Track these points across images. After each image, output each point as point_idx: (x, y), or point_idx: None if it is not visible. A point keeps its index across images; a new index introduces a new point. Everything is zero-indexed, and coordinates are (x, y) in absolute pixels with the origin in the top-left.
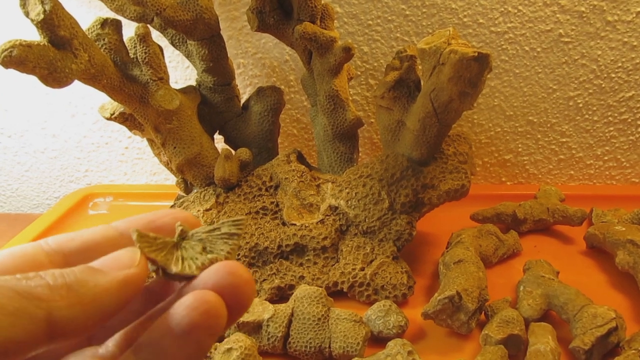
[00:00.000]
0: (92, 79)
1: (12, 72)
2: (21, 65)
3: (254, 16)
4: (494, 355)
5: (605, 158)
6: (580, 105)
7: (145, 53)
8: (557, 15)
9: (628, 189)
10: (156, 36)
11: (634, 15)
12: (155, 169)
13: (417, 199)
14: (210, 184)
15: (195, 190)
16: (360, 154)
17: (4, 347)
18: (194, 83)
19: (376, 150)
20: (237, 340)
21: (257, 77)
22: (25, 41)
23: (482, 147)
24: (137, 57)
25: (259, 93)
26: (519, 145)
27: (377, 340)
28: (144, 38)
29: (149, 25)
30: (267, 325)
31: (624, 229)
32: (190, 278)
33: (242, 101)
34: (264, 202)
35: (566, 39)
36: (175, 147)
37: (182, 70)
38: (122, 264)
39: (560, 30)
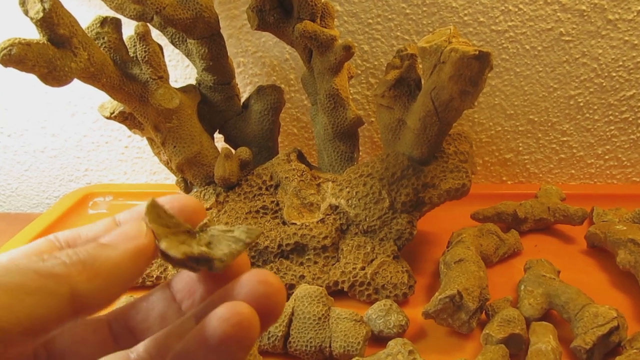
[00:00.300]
0: (92, 77)
1: (12, 71)
2: (20, 64)
3: (254, 14)
4: (495, 354)
5: (606, 157)
6: (581, 104)
7: (145, 52)
8: (558, 14)
9: (629, 188)
10: (156, 35)
11: (635, 14)
12: (155, 168)
13: (418, 198)
14: (210, 183)
15: (195, 190)
16: (360, 153)
17: (31, 325)
18: (194, 82)
19: (377, 149)
20: None
21: (257, 76)
22: (24, 39)
23: (482, 146)
24: (136, 56)
25: (259, 92)
26: (520, 144)
27: (378, 340)
28: (143, 37)
29: (148, 24)
30: None
31: (625, 228)
32: (179, 263)
33: (242, 100)
34: (264, 201)
35: (567, 38)
36: (175, 146)
37: (182, 69)
38: (129, 237)
39: (561, 29)
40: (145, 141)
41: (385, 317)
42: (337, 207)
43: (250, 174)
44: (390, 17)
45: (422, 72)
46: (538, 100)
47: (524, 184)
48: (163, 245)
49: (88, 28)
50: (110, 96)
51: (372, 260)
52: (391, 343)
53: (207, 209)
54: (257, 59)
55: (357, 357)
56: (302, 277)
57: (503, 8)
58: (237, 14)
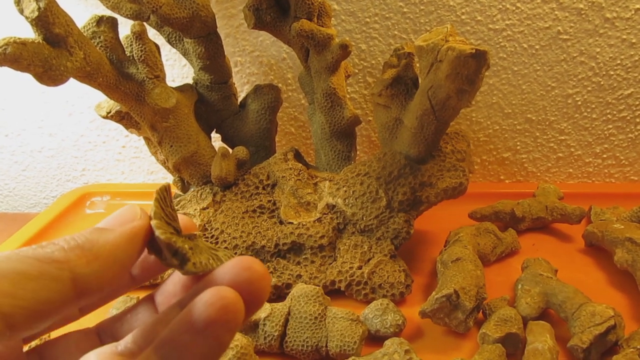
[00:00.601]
0: (88, 77)
1: (8, 71)
2: (15, 63)
3: (250, 13)
4: (491, 354)
5: (604, 156)
6: (579, 102)
7: (142, 51)
8: (556, 12)
9: (627, 187)
10: (153, 34)
11: (633, 12)
12: (153, 167)
13: (415, 197)
14: (207, 182)
15: (192, 189)
16: (358, 152)
17: (35, 309)
18: (191, 81)
19: (374, 148)
20: (233, 340)
21: (255, 75)
22: (19, 38)
23: (480, 145)
24: (133, 55)
25: (256, 91)
26: (518, 143)
27: (375, 339)
28: (140, 36)
29: (145, 23)
30: (264, 324)
31: (622, 227)
32: (156, 248)
33: (240, 99)
34: (261, 200)
35: (565, 36)
36: (171, 146)
37: (179, 69)
38: (125, 220)
39: (559, 28)
40: (142, 141)
41: (382, 317)
42: (334, 206)
43: (247, 173)
44: (387, 15)
45: (419, 70)
46: (536, 99)
47: (522, 182)
48: (154, 222)
49: (84, 27)
50: (107, 95)
51: (369, 260)
52: (388, 342)
53: (204, 209)
54: (255, 58)
55: (353, 357)
56: (299, 276)
57: (500, 6)
58: (234, 13)
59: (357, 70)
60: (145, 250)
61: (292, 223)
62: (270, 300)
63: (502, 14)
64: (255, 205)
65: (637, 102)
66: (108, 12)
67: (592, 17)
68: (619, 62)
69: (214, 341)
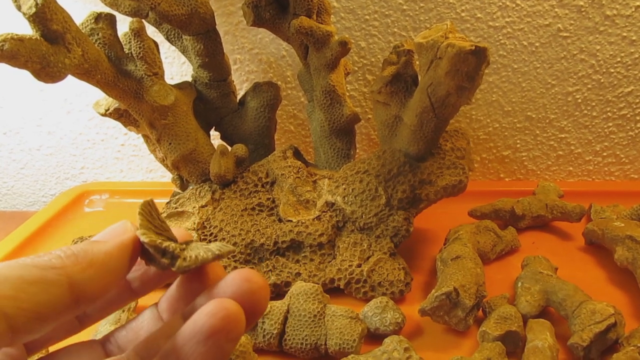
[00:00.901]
0: (86, 74)
1: (6, 68)
2: (13, 60)
3: (249, 10)
4: (491, 351)
5: (604, 154)
6: (579, 100)
7: (140, 48)
8: (556, 10)
9: (627, 185)
10: (152, 31)
11: (633, 10)
12: (151, 166)
13: (415, 195)
14: (206, 180)
15: (191, 187)
16: (357, 150)
17: (36, 312)
18: (189, 79)
19: (373, 146)
20: None
21: (254, 73)
22: (17, 35)
23: (480, 143)
24: (131, 53)
25: (255, 89)
26: (518, 141)
27: (374, 337)
28: (138, 33)
29: (143, 20)
30: (263, 322)
31: (622, 225)
32: (146, 253)
33: (239, 97)
34: (260, 198)
35: (565, 34)
36: (170, 143)
37: (177, 66)
38: (117, 233)
39: (559, 25)
40: (141, 139)
41: (381, 315)
42: (333, 204)
43: (246, 171)
44: (387, 13)
45: (418, 68)
46: (536, 96)
47: (522, 180)
48: (139, 232)
49: (82, 24)
50: (105, 93)
51: (368, 258)
52: (387, 340)
53: (203, 206)
54: (254, 56)
55: (352, 355)
56: (298, 274)
57: (500, 4)
58: (233, 10)
59: (356, 68)
60: (144, 263)
61: (291, 221)
62: (269, 298)
63: (502, 11)
64: (254, 203)
65: (637, 100)
66: (106, 9)
67: (592, 14)
68: (619, 59)
69: (217, 350)
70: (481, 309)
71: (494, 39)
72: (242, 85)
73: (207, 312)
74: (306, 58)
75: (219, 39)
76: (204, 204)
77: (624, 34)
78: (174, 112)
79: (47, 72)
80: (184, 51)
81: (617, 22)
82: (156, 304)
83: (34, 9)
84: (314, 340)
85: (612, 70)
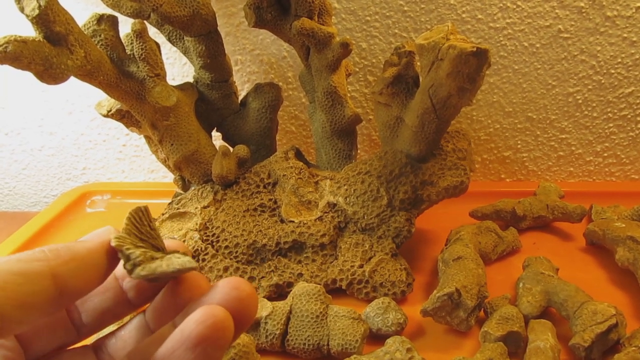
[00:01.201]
0: (89, 75)
1: (9, 69)
2: (16, 61)
3: (251, 12)
4: (493, 352)
5: (605, 154)
6: (580, 101)
7: (142, 49)
8: (556, 11)
9: (628, 186)
10: (153, 33)
11: (634, 11)
12: (153, 166)
13: (416, 196)
14: (208, 181)
15: (192, 188)
16: (358, 151)
17: (23, 300)
18: (191, 80)
19: (375, 147)
20: None
21: (255, 74)
22: (20, 37)
23: (481, 143)
24: (133, 54)
25: (256, 90)
26: (518, 142)
27: (376, 338)
28: (140, 34)
29: (145, 22)
30: (265, 323)
31: (623, 225)
32: (116, 254)
33: (240, 98)
34: (261, 199)
35: (565, 35)
36: (172, 144)
37: (179, 67)
38: (100, 234)
39: (560, 26)
40: (142, 139)
41: (383, 315)
42: (335, 204)
43: (248, 171)
44: (388, 14)
45: (420, 69)
46: (536, 97)
47: (523, 181)
48: (112, 235)
49: (84, 26)
50: (107, 94)
51: (370, 258)
52: (389, 341)
53: (205, 207)
54: (255, 56)
55: (355, 355)
56: (300, 275)
57: (501, 5)
58: (234, 11)
59: (357, 69)
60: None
61: (293, 222)
62: (271, 299)
63: (503, 13)
64: (256, 203)
65: (638, 101)
66: (108, 11)
67: (592, 15)
68: (619, 60)
69: (205, 358)
70: (483, 309)
71: (494, 40)
72: (243, 86)
73: (196, 319)
74: (307, 59)
75: (221, 40)
76: (206, 204)
77: (625, 35)
78: (176, 113)
79: (50, 74)
80: (185, 52)
81: (618, 23)
82: (144, 312)
83: (37, 11)
84: (316, 341)
85: (613, 71)
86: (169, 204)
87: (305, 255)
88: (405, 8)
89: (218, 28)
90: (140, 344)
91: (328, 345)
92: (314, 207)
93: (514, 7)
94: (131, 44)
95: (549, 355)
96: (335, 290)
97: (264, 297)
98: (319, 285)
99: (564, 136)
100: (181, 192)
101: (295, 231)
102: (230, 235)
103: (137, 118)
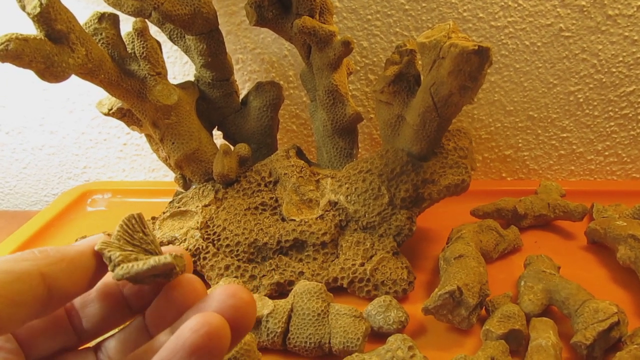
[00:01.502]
0: (90, 73)
1: (10, 68)
2: (17, 59)
3: (252, 10)
4: (495, 350)
5: (606, 153)
6: (581, 100)
7: (143, 48)
8: (558, 10)
9: (629, 185)
10: (154, 31)
11: (635, 9)
12: (154, 165)
13: (417, 194)
14: (209, 179)
15: (194, 186)
16: (360, 150)
17: (13, 298)
18: (192, 79)
19: (376, 145)
20: None
21: (256, 73)
22: (21, 35)
23: (482, 142)
24: (134, 52)
25: (257, 88)
26: (520, 141)
27: (378, 336)
28: (141, 32)
29: (146, 20)
30: (267, 321)
31: (625, 224)
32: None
33: (241, 97)
34: (263, 197)
35: (567, 33)
36: (173, 143)
37: (180, 66)
38: (90, 240)
39: (561, 25)
40: (143, 138)
41: (384, 313)
42: (336, 203)
43: (249, 170)
44: (389, 13)
45: (421, 67)
46: (538, 96)
47: (524, 180)
48: (99, 240)
49: (86, 24)
50: (108, 92)
51: (371, 257)
52: (391, 339)
53: (206, 206)
54: (256, 55)
55: (356, 353)
56: (302, 273)
57: (502, 4)
58: (235, 10)
59: (359, 68)
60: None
61: (294, 220)
62: (272, 297)
63: (504, 11)
64: (257, 202)
65: (639, 100)
66: (110, 9)
67: (594, 14)
68: (621, 59)
69: None
70: (484, 307)
71: (496, 38)
72: (244, 85)
73: (191, 327)
74: (309, 58)
75: (222, 39)
76: (207, 203)
77: (626, 34)
78: (177, 111)
79: (51, 72)
80: (186, 51)
81: (619, 22)
82: (143, 315)
83: (38, 9)
84: (317, 339)
85: (614, 70)
86: (170, 202)
87: (306, 253)
88: (407, 7)
89: (219, 27)
90: (136, 350)
91: (329, 343)
92: (315, 205)
93: (515, 5)
94: (132, 42)
95: (550, 353)
96: (336, 289)
97: (265, 295)
98: (320, 284)
99: (565, 135)
100: (182, 190)
101: (297, 229)
102: (231, 233)
103: (138, 117)
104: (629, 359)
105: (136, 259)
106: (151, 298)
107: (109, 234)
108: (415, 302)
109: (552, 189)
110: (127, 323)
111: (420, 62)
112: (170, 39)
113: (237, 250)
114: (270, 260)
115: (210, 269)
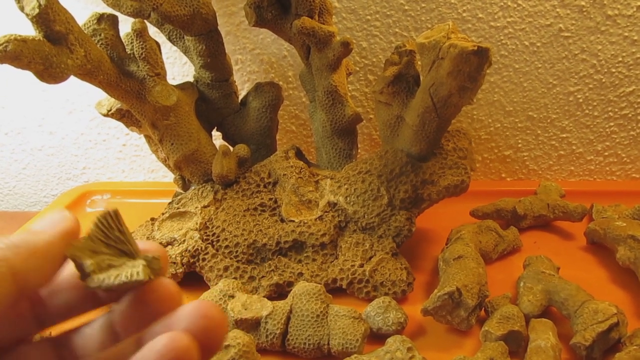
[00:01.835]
0: (89, 74)
1: (9, 69)
2: (16, 60)
3: (251, 11)
4: (494, 351)
5: (606, 154)
6: (581, 100)
7: (142, 48)
8: (557, 10)
9: (629, 185)
10: (153, 32)
11: (635, 9)
12: (153, 166)
13: (417, 195)
14: (208, 180)
15: (193, 187)
16: (359, 151)
17: None
18: (191, 79)
19: (375, 146)
20: (234, 337)
21: (255, 73)
22: (20, 36)
23: (481, 143)
24: (133, 53)
25: (257, 89)
26: (519, 141)
27: (377, 337)
28: (140, 33)
29: (145, 21)
30: (266, 322)
31: (624, 224)
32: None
33: (240, 97)
34: (262, 198)
35: (566, 34)
36: (172, 144)
37: (179, 67)
38: (56, 221)
39: (560, 25)
40: (143, 139)
41: (384, 315)
42: (335, 204)
43: (249, 171)
44: (388, 13)
45: (420, 68)
46: (537, 96)
47: (523, 180)
48: (70, 246)
49: (84, 25)
50: (108, 93)
51: (370, 258)
52: (390, 340)
53: (205, 207)
54: (255, 56)
55: (355, 355)
56: (301, 274)
57: (502, 4)
58: (234, 10)
59: (358, 68)
60: None
61: (293, 221)
62: (272, 299)
63: (504, 12)
64: (256, 203)
65: (639, 100)
66: (109, 10)
67: (593, 14)
68: (620, 59)
69: None
70: (483, 308)
71: (495, 39)
72: (243, 86)
73: (157, 350)
74: (308, 58)
75: (221, 39)
76: (206, 204)
77: (626, 34)
78: (176, 112)
79: (50, 73)
80: (185, 52)
81: (619, 22)
82: (110, 311)
83: (37, 10)
84: (316, 340)
85: (614, 70)
86: (169, 203)
87: (305, 254)
88: (406, 7)
89: (218, 27)
90: (99, 355)
91: (328, 344)
92: (314, 206)
93: (515, 6)
94: (131, 43)
95: (549, 354)
96: (335, 290)
97: (264, 296)
98: (319, 285)
99: (564, 135)
100: (181, 191)
101: (296, 230)
102: (230, 234)
103: (137, 117)
104: None
105: (109, 267)
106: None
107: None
108: (415, 303)
109: (551, 190)
110: (93, 317)
111: (419, 62)
112: (170, 39)
113: (236, 252)
114: (270, 261)
115: (209, 270)
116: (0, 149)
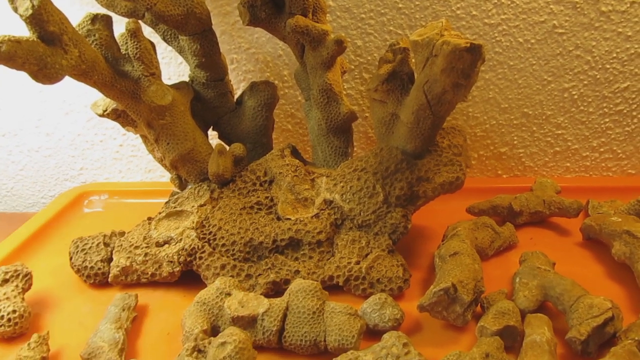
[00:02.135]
0: (83, 75)
1: (4, 70)
2: (10, 61)
3: (245, 10)
4: (489, 346)
5: (601, 150)
6: (575, 96)
7: (137, 48)
8: (551, 6)
9: (624, 181)
10: (148, 32)
11: (628, 5)
12: (150, 166)
13: (412, 192)
14: (205, 179)
15: (189, 186)
16: (355, 149)
17: None
18: (187, 79)
19: (371, 144)
20: (231, 334)
21: (251, 73)
22: (14, 37)
23: (477, 140)
24: (128, 53)
25: (252, 88)
26: (515, 138)
27: (373, 334)
28: (134, 33)
29: (140, 21)
30: (262, 319)
31: (620, 220)
32: None
33: (236, 96)
34: (258, 197)
35: (560, 30)
36: (168, 143)
37: (175, 67)
38: None
39: (554, 22)
40: (139, 140)
41: (380, 311)
42: (331, 201)
43: (245, 170)
44: (383, 11)
45: (414, 65)
46: (532, 93)
47: (519, 177)
48: None
49: (79, 25)
50: (103, 93)
51: (367, 255)
52: (386, 336)
53: (202, 206)
54: (250, 55)
55: (352, 351)
56: (297, 272)
57: (496, 1)
58: (229, 10)
59: (353, 67)
60: None
61: (289, 219)
62: (268, 296)
63: (498, 9)
64: (252, 201)
65: (634, 96)
66: (103, 10)
67: (587, 10)
68: (614, 55)
69: None
70: (479, 304)
71: (489, 36)
72: (239, 85)
73: None
74: (302, 57)
75: (216, 39)
76: (202, 203)
77: (620, 30)
78: (171, 112)
79: (45, 74)
80: (180, 51)
81: (613, 18)
82: None
83: (30, 11)
84: (313, 337)
85: (608, 66)
86: (166, 202)
87: (302, 252)
88: (400, 5)
89: (213, 27)
90: None
91: (325, 341)
92: (310, 204)
93: (509, 3)
94: (126, 43)
95: (545, 349)
96: (332, 287)
97: (261, 294)
98: (315, 282)
99: (560, 132)
100: (178, 190)
101: (292, 228)
102: (227, 233)
103: (133, 117)
104: (624, 354)
105: None
106: None
107: None
108: (411, 299)
109: (547, 186)
110: None
111: (413, 60)
112: (164, 39)
113: (233, 250)
114: (266, 259)
115: (207, 268)
116: None
